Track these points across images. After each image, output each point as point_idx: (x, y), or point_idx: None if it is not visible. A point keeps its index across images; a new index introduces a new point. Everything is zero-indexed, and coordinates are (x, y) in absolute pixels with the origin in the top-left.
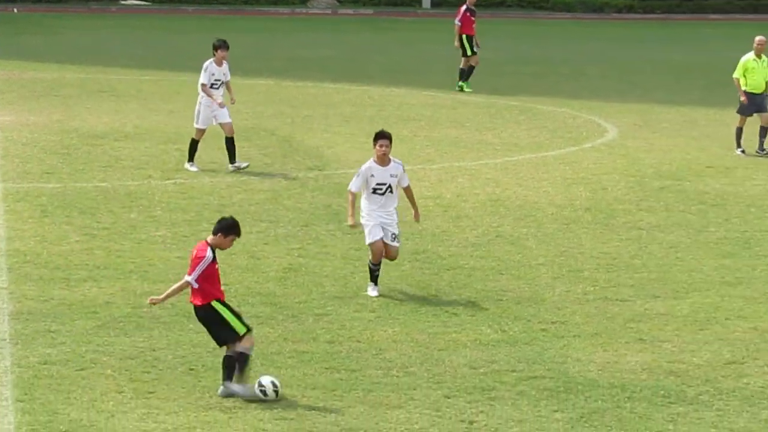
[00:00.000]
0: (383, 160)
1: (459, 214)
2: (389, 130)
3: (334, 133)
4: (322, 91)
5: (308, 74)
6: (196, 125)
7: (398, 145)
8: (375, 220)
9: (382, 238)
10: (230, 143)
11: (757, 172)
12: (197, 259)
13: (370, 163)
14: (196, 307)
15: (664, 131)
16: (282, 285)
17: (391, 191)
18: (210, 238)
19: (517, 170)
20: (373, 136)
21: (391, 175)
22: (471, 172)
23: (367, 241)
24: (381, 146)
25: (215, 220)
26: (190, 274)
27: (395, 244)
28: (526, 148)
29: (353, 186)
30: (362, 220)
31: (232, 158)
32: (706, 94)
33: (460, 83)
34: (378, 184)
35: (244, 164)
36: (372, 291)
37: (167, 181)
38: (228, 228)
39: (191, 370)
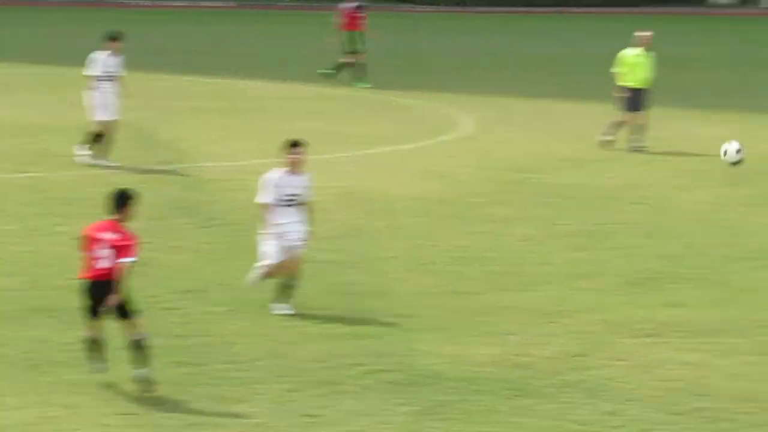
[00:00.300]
0: (297, 169)
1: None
2: (245, 123)
3: (189, 127)
4: (177, 84)
5: (164, 66)
6: (95, 119)
7: (254, 137)
8: (280, 241)
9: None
10: (104, 138)
11: (612, 166)
12: (132, 243)
13: (279, 173)
14: (100, 282)
15: (520, 124)
16: (132, 279)
17: (302, 204)
18: (118, 216)
19: (372, 163)
20: (285, 143)
21: (304, 186)
22: (326, 165)
23: (269, 262)
24: (295, 153)
25: (66, 214)
26: (126, 257)
27: (299, 246)
28: (383, 141)
29: (265, 197)
30: (263, 239)
31: (94, 147)
32: (563, 87)
33: (357, 81)
34: (288, 195)
35: (103, 162)
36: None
37: (19, 175)
38: (128, 196)
39: (34, 365)
